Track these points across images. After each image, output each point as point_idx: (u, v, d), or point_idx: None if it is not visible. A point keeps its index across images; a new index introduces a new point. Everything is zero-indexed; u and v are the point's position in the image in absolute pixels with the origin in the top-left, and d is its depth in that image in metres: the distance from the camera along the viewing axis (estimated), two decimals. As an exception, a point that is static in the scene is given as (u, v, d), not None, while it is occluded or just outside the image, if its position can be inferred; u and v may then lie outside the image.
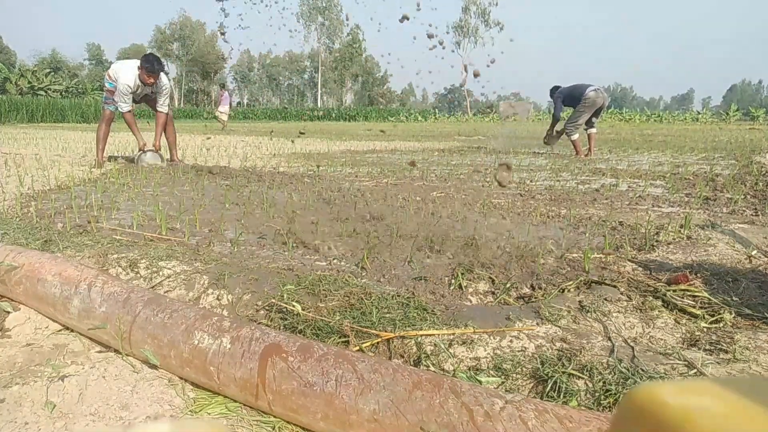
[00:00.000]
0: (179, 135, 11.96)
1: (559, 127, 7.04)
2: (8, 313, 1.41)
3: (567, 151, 7.37)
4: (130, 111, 4.97)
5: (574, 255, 1.90)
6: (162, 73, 5.03)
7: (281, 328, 1.23)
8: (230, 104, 17.24)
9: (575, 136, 6.61)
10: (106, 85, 5.03)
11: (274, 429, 0.93)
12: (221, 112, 16.32)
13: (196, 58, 74.13)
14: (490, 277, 1.61)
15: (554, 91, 6.86)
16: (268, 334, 0.99)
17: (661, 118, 30.42)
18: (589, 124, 6.73)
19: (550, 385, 0.96)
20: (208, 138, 10.40)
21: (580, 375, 0.97)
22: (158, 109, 5.24)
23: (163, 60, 4.99)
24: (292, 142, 9.95)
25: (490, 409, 0.77)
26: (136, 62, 4.91)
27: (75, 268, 1.35)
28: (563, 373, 0.98)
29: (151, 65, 4.80)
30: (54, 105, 30.46)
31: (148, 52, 5.21)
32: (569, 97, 6.65)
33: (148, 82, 4.86)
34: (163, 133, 5.35)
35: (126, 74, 4.87)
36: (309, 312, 1.25)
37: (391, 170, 4.93)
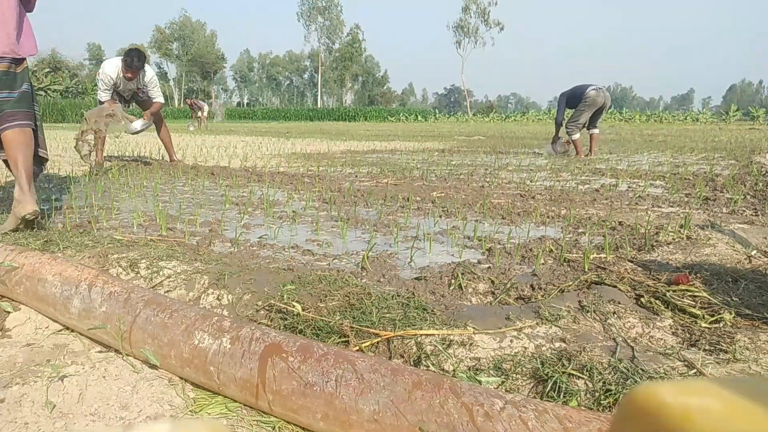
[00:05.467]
0: (180, 135, 11.99)
1: (562, 135, 7.02)
2: (8, 313, 1.41)
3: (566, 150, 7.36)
4: (109, 98, 4.98)
5: (574, 255, 1.90)
6: (147, 66, 5.03)
7: (281, 328, 1.23)
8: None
9: (576, 136, 6.61)
10: (98, 84, 5.05)
11: (274, 429, 0.93)
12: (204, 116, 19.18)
13: (195, 58, 74.09)
14: (490, 278, 1.61)
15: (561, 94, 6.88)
16: (268, 334, 0.99)
17: (661, 119, 30.41)
18: (591, 124, 6.72)
19: (550, 385, 0.96)
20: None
21: (580, 375, 0.97)
22: (154, 101, 5.23)
23: (145, 57, 4.97)
24: (290, 141, 9.95)
25: (490, 409, 0.77)
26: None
27: (75, 268, 1.35)
28: (563, 373, 0.98)
29: (130, 59, 4.79)
30: (54, 105, 30.47)
31: (147, 53, 5.26)
32: (572, 98, 6.65)
33: (126, 76, 4.86)
34: (157, 135, 5.36)
35: (109, 67, 4.89)
36: (309, 312, 1.25)
37: (392, 170, 4.93)
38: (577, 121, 6.54)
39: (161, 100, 5.27)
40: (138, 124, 5.09)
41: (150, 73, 5.10)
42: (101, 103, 5.02)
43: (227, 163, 5.56)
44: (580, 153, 6.64)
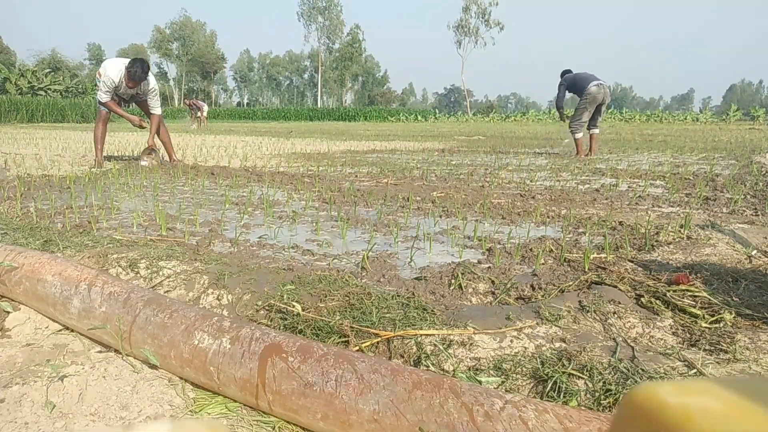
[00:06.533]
0: (180, 135, 11.99)
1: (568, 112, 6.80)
2: (8, 313, 1.41)
3: (567, 150, 7.36)
4: (109, 100, 4.98)
5: (575, 255, 1.90)
6: (150, 76, 5.03)
7: (281, 328, 1.23)
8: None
9: (579, 135, 6.58)
10: (98, 83, 5.03)
11: (274, 429, 0.93)
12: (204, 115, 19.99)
13: (195, 58, 74.12)
14: (490, 278, 1.61)
15: (564, 74, 6.70)
16: (268, 334, 0.99)
17: (661, 118, 30.37)
18: (591, 123, 6.69)
19: (550, 385, 0.96)
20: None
21: (580, 375, 0.97)
22: (152, 112, 5.26)
23: (149, 68, 4.97)
24: (290, 141, 9.94)
25: (489, 409, 0.77)
26: (126, 61, 4.92)
27: (75, 268, 1.35)
28: (563, 373, 0.98)
29: (134, 70, 4.78)
30: (54, 105, 30.51)
31: (147, 53, 5.24)
32: (573, 86, 6.51)
33: (128, 85, 4.86)
34: (157, 136, 5.36)
35: (112, 69, 4.87)
36: (309, 312, 1.25)
37: (392, 170, 4.93)
38: (579, 119, 6.51)
39: (158, 111, 5.28)
40: (146, 161, 5.24)
41: (152, 82, 5.10)
42: (101, 103, 5.01)
43: (227, 163, 5.56)
44: (581, 152, 6.63)
